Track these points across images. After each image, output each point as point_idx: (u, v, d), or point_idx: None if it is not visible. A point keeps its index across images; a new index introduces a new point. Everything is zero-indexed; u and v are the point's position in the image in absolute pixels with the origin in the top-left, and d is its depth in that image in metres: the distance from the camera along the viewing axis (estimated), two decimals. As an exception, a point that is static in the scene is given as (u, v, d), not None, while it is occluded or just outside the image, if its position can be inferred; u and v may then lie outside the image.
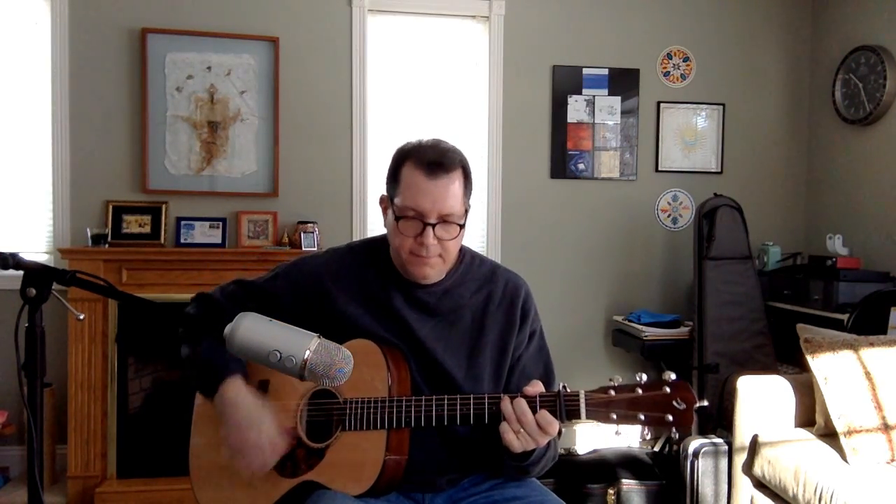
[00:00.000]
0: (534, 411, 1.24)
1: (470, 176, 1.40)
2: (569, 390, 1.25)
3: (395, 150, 1.41)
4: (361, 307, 1.42)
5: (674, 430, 1.20)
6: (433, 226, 1.32)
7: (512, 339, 1.44)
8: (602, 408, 1.22)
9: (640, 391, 1.21)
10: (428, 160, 1.33)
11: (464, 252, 1.49)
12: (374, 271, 1.45)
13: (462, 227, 1.36)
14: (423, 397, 1.32)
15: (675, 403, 1.20)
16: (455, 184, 1.34)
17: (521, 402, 1.24)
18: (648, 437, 1.23)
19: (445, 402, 1.30)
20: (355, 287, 1.44)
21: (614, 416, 1.21)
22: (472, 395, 1.31)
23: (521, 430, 1.23)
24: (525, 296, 1.48)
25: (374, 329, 1.40)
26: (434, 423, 1.30)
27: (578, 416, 1.23)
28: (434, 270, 1.38)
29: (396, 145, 1.44)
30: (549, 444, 1.34)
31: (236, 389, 1.34)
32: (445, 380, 1.40)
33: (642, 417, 1.20)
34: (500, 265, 1.53)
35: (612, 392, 1.22)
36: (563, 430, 1.43)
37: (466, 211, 1.39)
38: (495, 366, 1.44)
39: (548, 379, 1.45)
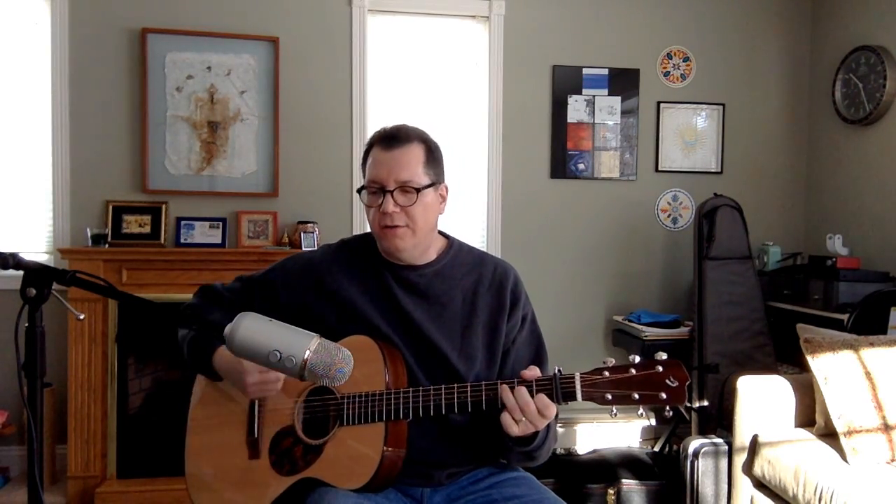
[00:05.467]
0: (531, 396, 1.26)
1: (434, 151, 1.46)
2: (564, 373, 1.27)
3: None
4: (357, 291, 1.46)
5: (668, 407, 1.24)
6: (391, 192, 1.38)
7: (503, 322, 1.47)
8: (597, 388, 1.25)
9: (633, 371, 1.24)
10: (383, 135, 1.43)
11: (452, 240, 1.55)
12: (367, 259, 1.50)
13: (419, 191, 1.39)
14: (420, 388, 1.34)
15: (668, 381, 1.23)
16: (411, 153, 1.41)
17: (523, 391, 1.26)
18: (643, 416, 1.26)
19: (443, 391, 1.32)
20: (350, 273, 1.48)
21: (609, 397, 1.24)
22: (468, 384, 1.33)
23: (523, 418, 1.25)
24: (514, 280, 1.52)
25: (371, 311, 1.43)
26: (432, 413, 1.32)
27: (574, 398, 1.25)
28: (404, 242, 1.41)
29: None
30: (548, 428, 1.36)
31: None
32: (440, 361, 1.42)
33: (636, 396, 1.23)
34: (488, 253, 1.59)
35: (607, 373, 1.25)
36: (562, 429, 1.45)
37: (435, 184, 1.44)
38: (487, 346, 1.46)
39: (540, 360, 1.48)
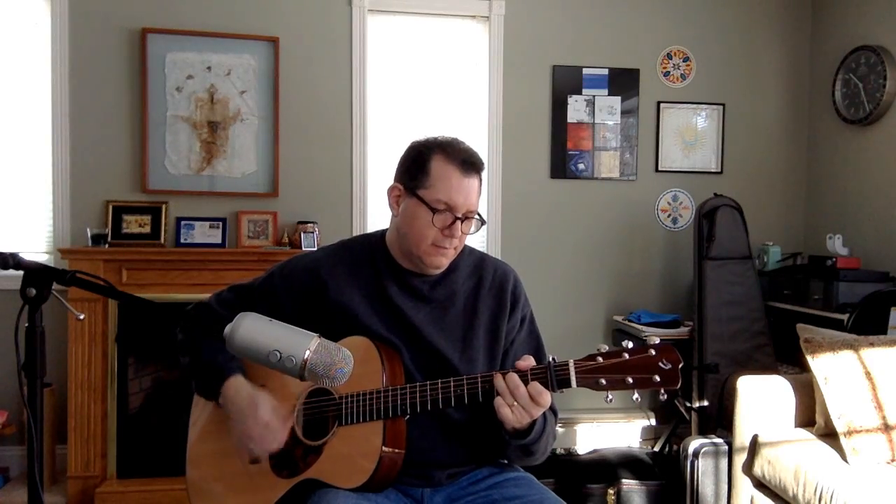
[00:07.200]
0: (525, 384, 1.27)
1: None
2: (558, 361, 1.28)
3: (414, 143, 1.46)
4: (357, 297, 1.45)
5: (662, 390, 1.24)
6: (461, 220, 1.39)
7: (503, 323, 1.48)
8: (591, 374, 1.26)
9: (626, 356, 1.25)
10: (462, 158, 1.40)
11: None
12: (368, 263, 1.49)
13: (483, 222, 1.44)
14: (417, 383, 1.34)
15: (660, 364, 1.24)
16: (478, 182, 1.44)
17: (514, 376, 1.28)
18: (638, 400, 1.27)
19: (439, 385, 1.33)
20: (350, 278, 1.47)
21: (603, 382, 1.25)
22: (464, 376, 1.33)
23: (515, 403, 1.27)
24: (514, 281, 1.53)
25: (370, 318, 1.43)
26: (430, 408, 1.32)
27: (569, 384, 1.27)
28: (447, 260, 1.44)
29: (397, 145, 1.51)
30: (545, 421, 1.37)
31: (236, 386, 1.40)
32: (441, 364, 1.42)
33: (630, 381, 1.24)
34: (487, 254, 1.60)
35: (600, 359, 1.26)
36: (562, 429, 1.45)
37: None
38: (489, 348, 1.47)
39: (539, 360, 1.47)
